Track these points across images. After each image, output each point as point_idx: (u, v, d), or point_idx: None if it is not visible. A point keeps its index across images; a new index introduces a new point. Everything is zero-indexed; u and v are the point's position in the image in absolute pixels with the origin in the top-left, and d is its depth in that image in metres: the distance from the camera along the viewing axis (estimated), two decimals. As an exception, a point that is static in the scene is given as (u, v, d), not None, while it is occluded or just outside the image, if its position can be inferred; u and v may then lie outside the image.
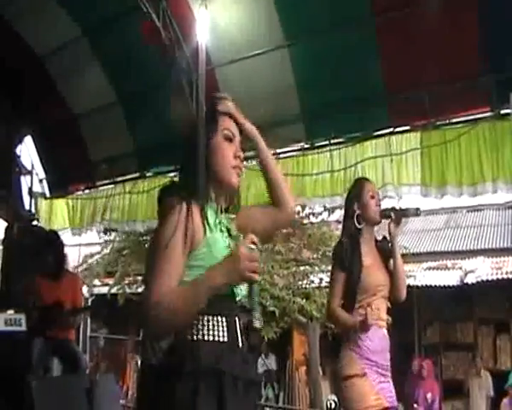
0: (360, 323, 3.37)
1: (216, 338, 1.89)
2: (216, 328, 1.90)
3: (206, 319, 1.89)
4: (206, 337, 1.88)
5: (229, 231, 2.03)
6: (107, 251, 13.10)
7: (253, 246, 1.82)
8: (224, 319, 1.92)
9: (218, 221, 2.00)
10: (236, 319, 1.98)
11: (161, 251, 1.85)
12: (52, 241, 5.94)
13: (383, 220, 3.69)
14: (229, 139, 2.05)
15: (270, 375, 12.88)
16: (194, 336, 1.88)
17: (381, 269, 3.58)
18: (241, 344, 1.97)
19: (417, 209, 3.66)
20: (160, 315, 1.78)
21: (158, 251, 1.86)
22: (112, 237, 11.95)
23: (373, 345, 3.45)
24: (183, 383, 1.81)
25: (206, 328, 1.89)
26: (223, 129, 2.05)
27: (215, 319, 1.91)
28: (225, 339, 1.91)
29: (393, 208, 3.67)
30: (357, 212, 3.60)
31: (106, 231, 9.71)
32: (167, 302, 1.78)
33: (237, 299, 1.97)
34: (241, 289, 1.96)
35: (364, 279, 3.48)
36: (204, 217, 1.93)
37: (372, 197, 3.63)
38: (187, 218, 1.87)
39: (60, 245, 5.97)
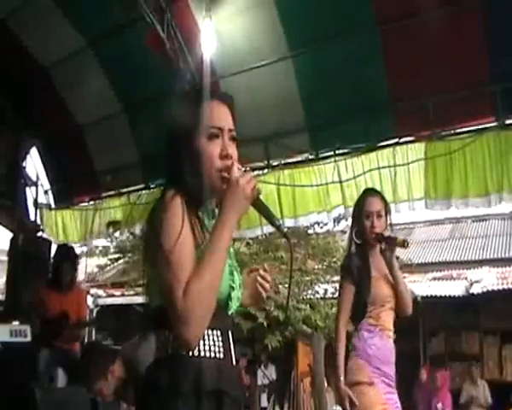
0: (349, 401, 3.36)
1: (214, 354, 1.70)
2: (214, 343, 1.71)
3: (205, 332, 1.69)
4: (207, 354, 1.69)
5: None
6: (109, 262, 13.14)
7: (242, 168, 1.70)
8: (219, 333, 1.74)
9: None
10: (230, 333, 1.79)
11: (171, 247, 1.60)
12: (66, 254, 5.95)
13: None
14: (216, 136, 1.76)
15: (272, 386, 12.86)
16: (195, 352, 1.68)
17: (387, 281, 3.57)
18: (234, 361, 1.80)
19: (404, 241, 3.53)
20: (194, 303, 1.57)
21: (167, 248, 1.60)
22: (116, 249, 11.98)
23: (382, 355, 3.43)
24: (182, 404, 1.62)
25: (205, 343, 1.69)
26: (207, 126, 1.75)
27: (213, 333, 1.72)
28: (221, 355, 1.72)
29: (383, 236, 3.56)
30: (355, 228, 3.64)
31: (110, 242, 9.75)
32: (194, 284, 1.58)
33: (229, 312, 1.78)
34: (235, 304, 1.79)
35: (372, 291, 3.49)
36: (201, 220, 1.75)
37: (367, 217, 3.56)
38: (187, 215, 1.66)
39: (74, 258, 6.00)
